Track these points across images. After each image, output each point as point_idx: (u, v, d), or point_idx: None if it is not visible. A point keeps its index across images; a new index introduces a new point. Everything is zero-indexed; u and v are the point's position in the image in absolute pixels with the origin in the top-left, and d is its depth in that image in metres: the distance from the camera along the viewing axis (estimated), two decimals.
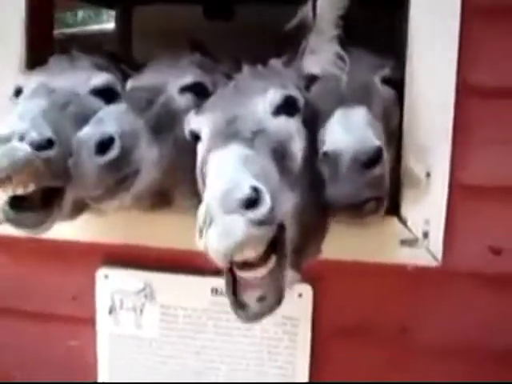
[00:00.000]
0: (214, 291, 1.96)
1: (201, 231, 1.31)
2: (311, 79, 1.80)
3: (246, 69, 1.83)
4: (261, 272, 1.39)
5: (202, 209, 1.32)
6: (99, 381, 2.08)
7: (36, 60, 2.03)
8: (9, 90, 1.89)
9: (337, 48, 1.75)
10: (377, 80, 1.74)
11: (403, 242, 1.83)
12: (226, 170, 1.38)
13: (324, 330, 1.94)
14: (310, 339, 1.93)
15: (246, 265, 1.38)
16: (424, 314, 1.90)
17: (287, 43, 1.90)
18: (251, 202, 1.29)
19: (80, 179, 1.55)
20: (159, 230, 1.95)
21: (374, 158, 1.49)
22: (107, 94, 1.85)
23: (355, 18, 1.90)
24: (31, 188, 1.56)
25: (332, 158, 1.50)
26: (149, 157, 1.65)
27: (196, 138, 1.67)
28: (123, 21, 4.66)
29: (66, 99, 1.75)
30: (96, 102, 1.83)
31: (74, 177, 1.56)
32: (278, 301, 1.46)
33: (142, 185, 1.66)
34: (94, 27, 6.09)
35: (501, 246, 1.83)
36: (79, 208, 1.77)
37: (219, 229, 1.28)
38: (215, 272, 1.92)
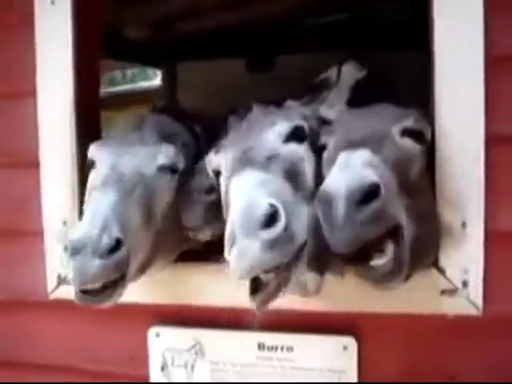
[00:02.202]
0: (261, 346, 2.02)
1: (227, 250, 1.49)
2: (324, 122, 1.92)
3: (255, 108, 1.95)
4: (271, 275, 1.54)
5: (228, 227, 1.50)
6: None
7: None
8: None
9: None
10: (395, 131, 1.70)
11: (443, 292, 1.86)
12: (244, 192, 1.56)
13: (370, 382, 1.97)
14: None
15: None
16: (467, 362, 1.91)
17: (309, 92, 2.08)
18: (268, 219, 1.46)
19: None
20: (207, 289, 2.03)
21: (368, 194, 1.44)
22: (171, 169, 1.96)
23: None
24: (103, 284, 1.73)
25: (325, 201, 1.47)
26: None
27: (218, 174, 1.82)
28: (169, 77, 4.84)
29: (133, 183, 1.84)
30: (161, 178, 1.93)
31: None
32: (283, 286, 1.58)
33: None
34: (142, 84, 6.33)
35: None
36: (141, 271, 1.89)
37: (237, 252, 1.45)
38: (261, 327, 2.02)
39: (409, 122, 1.73)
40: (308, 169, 1.76)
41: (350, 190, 1.44)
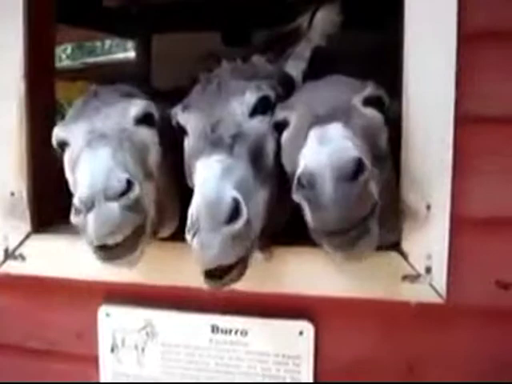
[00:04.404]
0: (215, 329, 1.94)
1: (189, 231, 1.50)
2: (287, 80, 1.92)
3: (225, 64, 1.93)
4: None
5: (191, 214, 1.51)
6: None
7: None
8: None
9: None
10: (356, 100, 1.64)
11: (405, 278, 1.77)
12: (210, 181, 1.56)
13: (326, 368, 1.89)
14: (313, 378, 1.89)
15: None
16: (428, 351, 1.83)
17: (278, 43, 2.02)
18: (231, 214, 1.48)
19: None
20: (159, 268, 1.94)
21: (355, 170, 1.39)
22: (147, 119, 1.85)
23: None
24: (127, 234, 1.60)
25: (309, 182, 1.42)
26: None
27: (182, 130, 1.81)
28: (143, 49, 4.73)
29: (119, 138, 1.72)
30: (142, 131, 1.82)
31: None
32: (242, 274, 1.60)
33: None
34: (119, 55, 6.19)
35: (508, 281, 1.76)
36: (152, 233, 1.77)
37: (200, 244, 1.48)
38: (215, 309, 1.94)
39: (368, 91, 1.66)
40: (270, 147, 1.75)
41: (336, 167, 1.40)
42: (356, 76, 1.76)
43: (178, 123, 1.82)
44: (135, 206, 1.59)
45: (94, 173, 1.59)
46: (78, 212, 1.57)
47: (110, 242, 1.58)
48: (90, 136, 1.72)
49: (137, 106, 1.83)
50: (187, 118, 1.80)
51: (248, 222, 1.51)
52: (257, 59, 1.97)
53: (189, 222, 1.52)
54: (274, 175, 1.70)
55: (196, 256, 1.51)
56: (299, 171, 1.46)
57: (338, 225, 1.42)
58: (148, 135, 1.83)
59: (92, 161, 1.64)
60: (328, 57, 1.95)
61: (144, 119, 1.83)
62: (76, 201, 1.56)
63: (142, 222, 1.64)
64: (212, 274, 1.56)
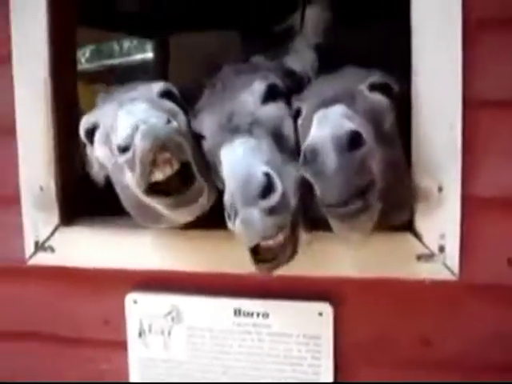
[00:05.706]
0: (237, 312, 2.01)
1: (229, 217, 1.53)
2: (291, 74, 1.96)
3: (225, 67, 1.97)
4: (278, 239, 1.58)
5: (227, 198, 1.54)
6: None
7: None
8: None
9: (314, 56, 1.97)
10: (363, 87, 1.72)
11: (419, 258, 1.84)
12: (238, 163, 1.59)
13: (346, 347, 1.96)
14: (333, 356, 1.96)
15: None
16: (442, 327, 1.90)
17: (274, 43, 2.09)
18: (266, 189, 1.50)
19: None
20: (184, 255, 2.03)
21: (353, 140, 1.46)
22: (170, 98, 1.88)
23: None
24: (176, 166, 1.61)
25: (311, 155, 1.48)
26: None
27: (199, 136, 1.82)
28: (161, 50, 4.79)
29: (148, 103, 1.73)
30: (167, 102, 1.85)
31: None
32: (293, 255, 1.65)
33: None
34: (137, 57, 6.26)
35: None
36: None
37: (240, 221, 1.50)
38: (237, 293, 2.02)
39: (374, 78, 1.74)
40: (288, 128, 1.79)
41: (336, 138, 1.46)
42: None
43: (194, 133, 1.83)
44: (176, 131, 1.62)
45: (134, 113, 1.61)
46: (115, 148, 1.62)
47: (159, 157, 1.57)
48: (123, 102, 1.75)
49: (158, 85, 1.88)
50: (200, 121, 1.82)
51: (284, 195, 1.52)
52: (256, 59, 2.02)
53: (226, 208, 1.55)
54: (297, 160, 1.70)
55: (240, 236, 1.53)
56: (303, 147, 1.52)
57: (339, 196, 1.48)
58: (173, 105, 1.85)
59: (129, 110, 1.65)
60: (342, 54, 2.02)
61: (167, 96, 1.87)
62: (118, 141, 1.60)
63: (186, 158, 1.65)
64: (262, 258, 1.60)
